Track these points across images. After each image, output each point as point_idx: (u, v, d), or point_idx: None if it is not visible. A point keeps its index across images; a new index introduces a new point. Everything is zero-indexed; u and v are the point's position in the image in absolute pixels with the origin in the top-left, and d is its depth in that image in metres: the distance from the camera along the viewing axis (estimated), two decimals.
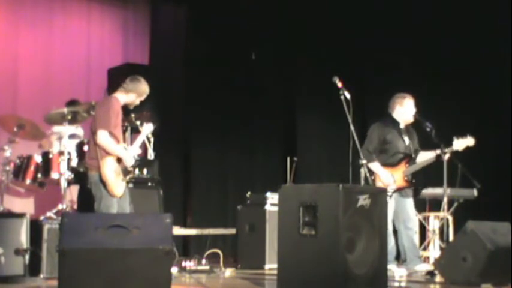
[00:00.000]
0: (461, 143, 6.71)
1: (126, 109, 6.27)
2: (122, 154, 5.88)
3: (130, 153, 5.99)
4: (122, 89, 6.07)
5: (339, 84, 5.89)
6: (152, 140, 7.33)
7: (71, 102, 7.19)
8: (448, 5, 8.81)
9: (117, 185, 5.83)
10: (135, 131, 7.12)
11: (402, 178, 6.84)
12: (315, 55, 9.89)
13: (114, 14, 9.30)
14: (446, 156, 6.70)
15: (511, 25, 8.35)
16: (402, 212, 6.88)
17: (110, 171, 5.78)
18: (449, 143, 6.72)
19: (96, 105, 6.29)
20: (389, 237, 6.72)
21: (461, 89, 8.93)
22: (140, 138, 6.27)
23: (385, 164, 6.85)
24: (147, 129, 6.31)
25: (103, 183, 5.78)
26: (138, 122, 6.47)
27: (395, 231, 6.94)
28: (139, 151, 6.32)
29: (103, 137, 5.80)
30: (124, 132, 7.06)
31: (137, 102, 6.16)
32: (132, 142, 6.77)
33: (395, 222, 6.87)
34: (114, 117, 5.89)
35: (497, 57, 8.56)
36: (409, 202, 6.94)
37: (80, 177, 6.97)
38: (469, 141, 6.72)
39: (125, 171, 5.95)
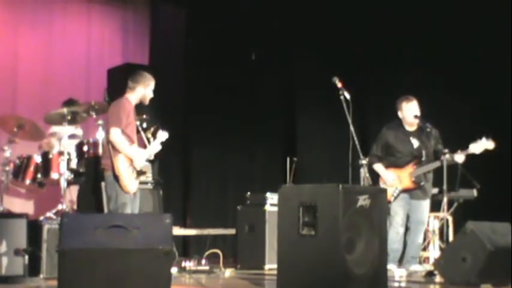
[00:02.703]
0: (479, 146, 6.57)
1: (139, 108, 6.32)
2: (133, 155, 5.93)
3: (142, 156, 6.04)
4: (128, 89, 6.16)
5: (339, 85, 5.89)
6: (152, 140, 7.33)
7: (69, 102, 7.18)
8: (449, 5, 8.81)
9: (131, 181, 5.91)
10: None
11: (409, 179, 6.83)
12: (315, 55, 9.89)
13: (114, 15, 9.30)
14: (462, 159, 6.62)
15: (511, 25, 8.35)
16: (416, 214, 6.88)
17: (123, 166, 5.87)
18: (465, 146, 6.63)
19: (109, 107, 6.33)
20: (399, 239, 6.75)
21: (461, 89, 8.92)
22: (155, 145, 6.28)
23: (391, 165, 6.88)
24: (162, 136, 6.32)
25: (117, 179, 5.83)
26: (137, 122, 6.48)
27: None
28: (151, 156, 6.34)
29: (115, 135, 5.88)
30: None
31: (149, 94, 6.19)
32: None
33: (407, 223, 6.88)
34: (125, 117, 5.98)
35: (498, 57, 8.55)
36: (424, 205, 6.91)
37: (79, 177, 6.98)
38: (488, 144, 6.57)
39: (139, 171, 6.01)
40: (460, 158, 6.63)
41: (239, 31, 9.59)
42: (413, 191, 6.87)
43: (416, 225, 6.91)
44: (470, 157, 6.73)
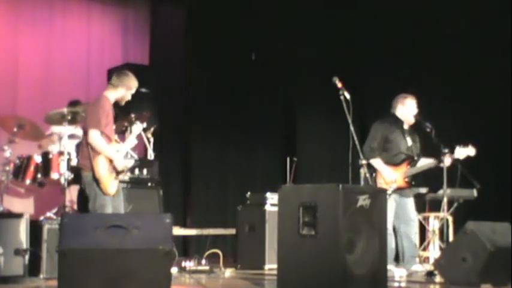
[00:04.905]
0: (462, 152, 6.66)
1: (124, 109, 6.26)
2: (113, 156, 5.88)
3: (121, 154, 6.00)
4: (110, 86, 6.04)
5: (339, 85, 5.89)
6: (152, 140, 7.32)
7: (73, 103, 7.18)
8: (449, 5, 8.81)
9: (110, 183, 5.84)
10: None
11: (402, 178, 6.83)
12: (315, 55, 9.89)
13: (114, 14, 9.30)
14: (448, 163, 6.66)
15: (511, 25, 8.35)
16: (403, 213, 6.87)
17: (103, 169, 5.80)
18: (452, 151, 6.66)
19: (87, 105, 6.27)
20: (389, 238, 6.72)
21: (461, 90, 8.92)
22: (131, 139, 6.24)
23: (387, 163, 6.85)
24: (137, 129, 6.28)
25: (96, 181, 5.79)
26: (137, 122, 6.47)
27: (395, 232, 6.92)
28: (131, 147, 6.33)
29: (94, 137, 5.79)
30: (124, 132, 7.07)
31: (128, 97, 6.08)
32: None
33: (395, 223, 6.86)
34: (105, 117, 5.87)
35: (497, 57, 8.56)
36: (410, 202, 6.93)
37: (79, 177, 6.98)
38: (469, 151, 6.68)
39: (118, 170, 5.96)
40: (447, 161, 6.65)
41: (239, 31, 9.59)
42: (403, 190, 6.86)
43: (406, 224, 6.89)
44: (471, 157, 6.74)
